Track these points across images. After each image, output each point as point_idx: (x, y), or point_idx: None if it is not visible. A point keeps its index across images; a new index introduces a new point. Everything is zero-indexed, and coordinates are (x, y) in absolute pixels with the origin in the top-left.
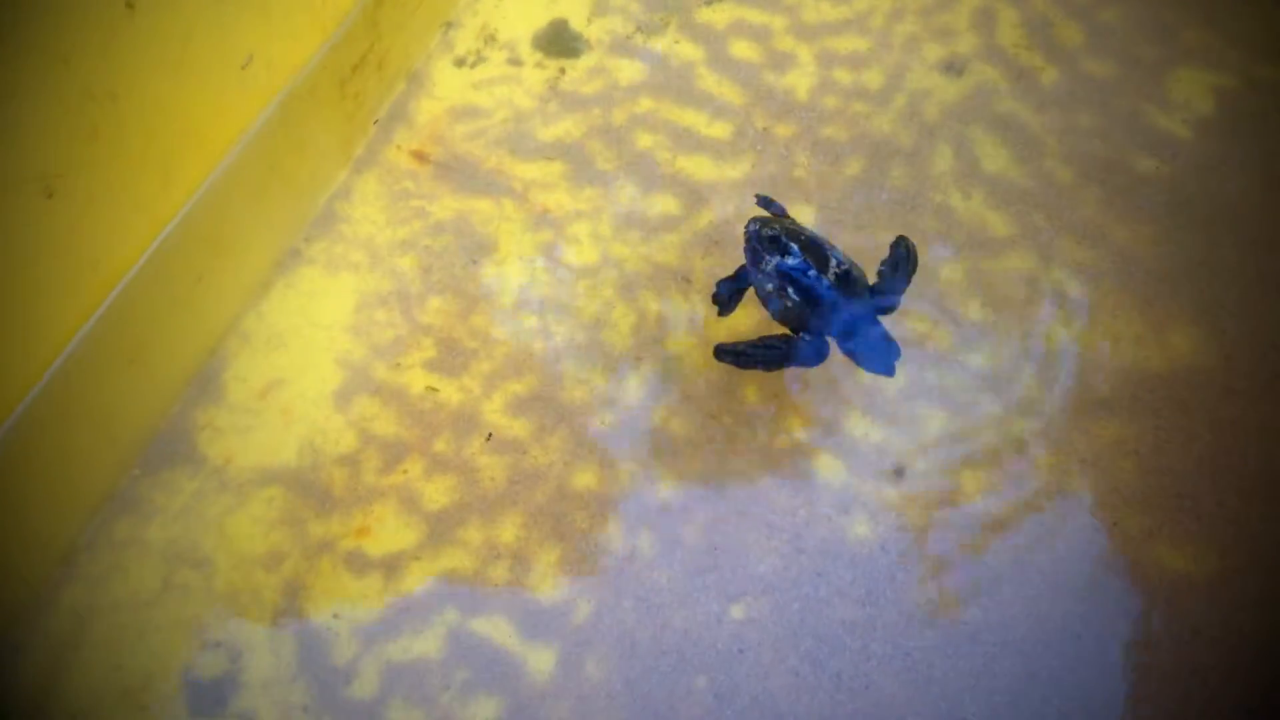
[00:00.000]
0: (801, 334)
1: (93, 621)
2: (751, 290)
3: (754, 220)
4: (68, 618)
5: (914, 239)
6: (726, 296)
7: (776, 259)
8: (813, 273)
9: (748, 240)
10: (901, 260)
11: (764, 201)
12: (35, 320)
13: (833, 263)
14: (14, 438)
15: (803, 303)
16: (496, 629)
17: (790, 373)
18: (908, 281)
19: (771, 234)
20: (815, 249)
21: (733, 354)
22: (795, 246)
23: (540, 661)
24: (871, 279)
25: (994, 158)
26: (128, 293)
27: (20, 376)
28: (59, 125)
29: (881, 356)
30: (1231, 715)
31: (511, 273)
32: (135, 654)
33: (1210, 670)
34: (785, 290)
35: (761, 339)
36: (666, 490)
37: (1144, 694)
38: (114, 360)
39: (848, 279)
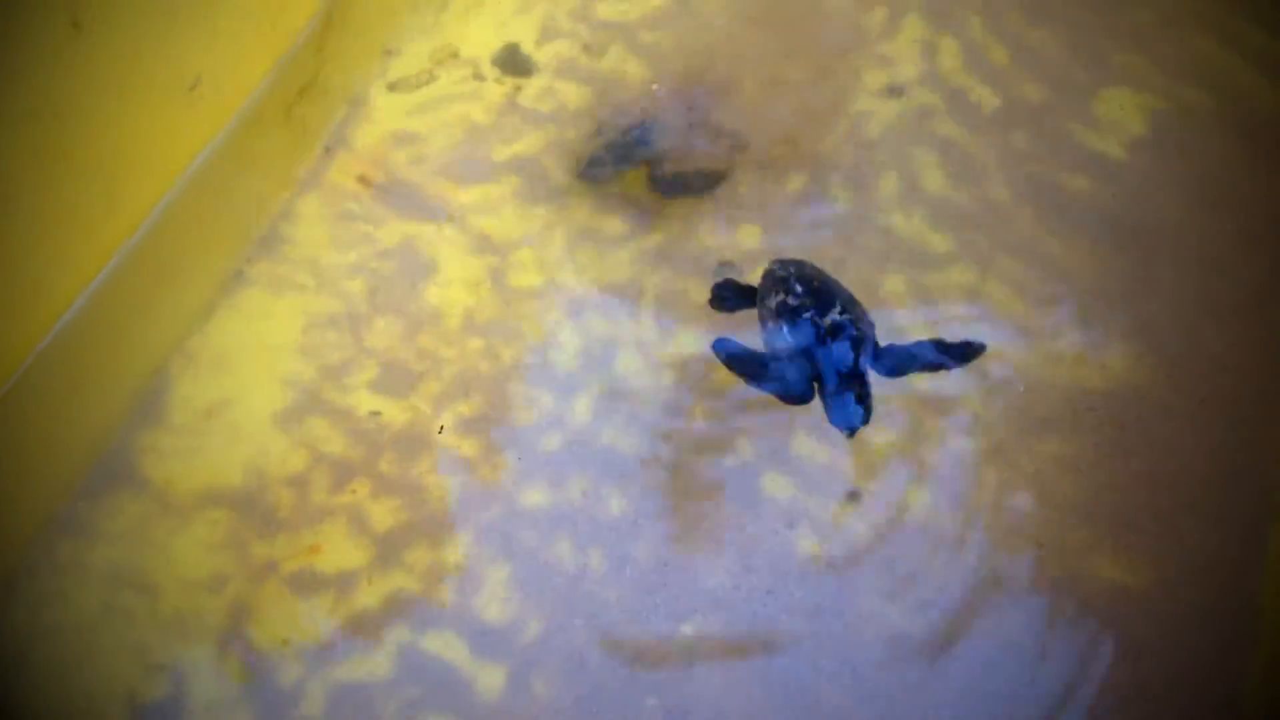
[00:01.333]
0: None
1: (35, 645)
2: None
3: (776, 260)
4: (9, 642)
5: (858, 258)
6: (729, 298)
7: (780, 297)
8: (808, 315)
9: (763, 277)
10: (950, 353)
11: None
12: None
13: (834, 310)
14: None
15: (793, 342)
16: (447, 647)
17: (738, 395)
18: (923, 367)
19: (783, 274)
20: (823, 295)
21: (729, 352)
22: (800, 288)
23: (490, 679)
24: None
25: (934, 178)
26: (72, 320)
27: None
28: (1, 146)
29: (843, 413)
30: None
31: (457, 295)
32: (79, 678)
33: (1152, 685)
34: (780, 326)
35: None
36: (616, 509)
37: (1089, 710)
38: (58, 386)
39: (839, 330)
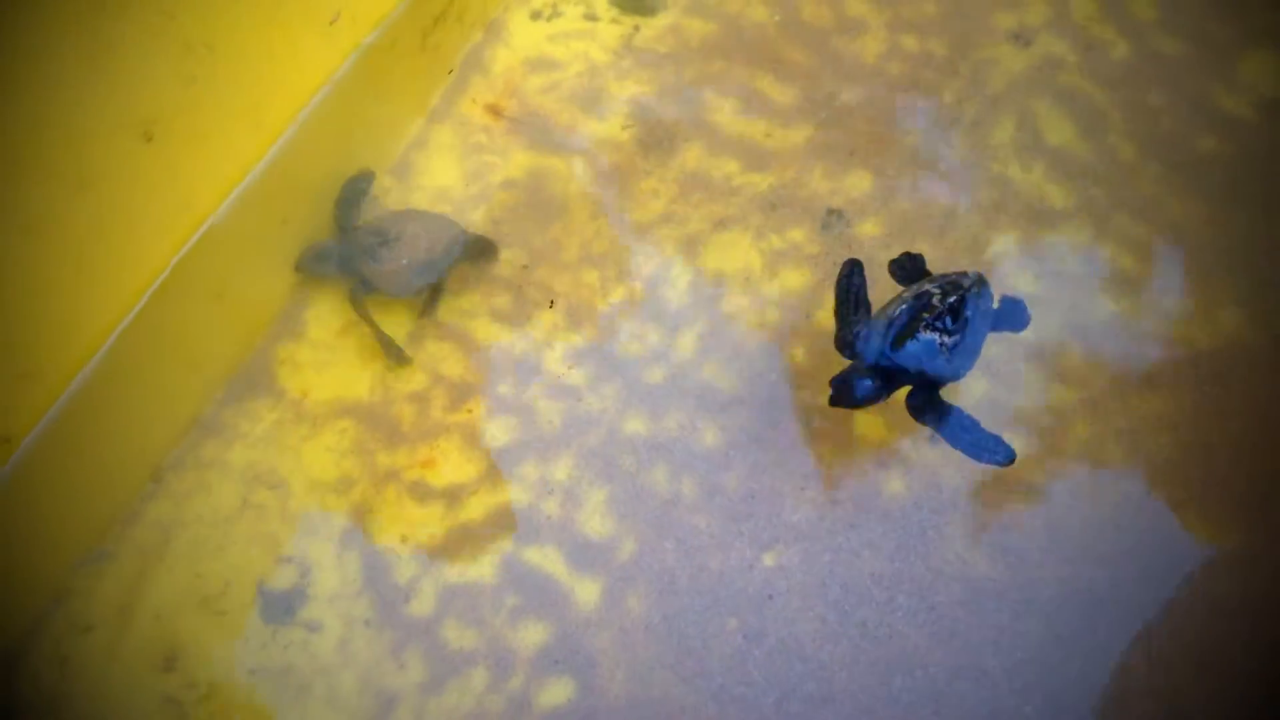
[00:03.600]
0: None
1: (177, 534)
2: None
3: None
4: (154, 529)
5: (969, 207)
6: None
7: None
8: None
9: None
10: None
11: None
12: (129, 254)
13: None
14: (109, 362)
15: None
16: (547, 559)
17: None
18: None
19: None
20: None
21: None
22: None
23: (586, 593)
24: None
25: (1058, 131)
26: (216, 231)
27: (116, 305)
28: (160, 74)
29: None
30: (1247, 684)
31: (576, 229)
32: (214, 565)
33: (1230, 642)
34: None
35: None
36: (710, 440)
37: (1163, 660)
38: (202, 294)
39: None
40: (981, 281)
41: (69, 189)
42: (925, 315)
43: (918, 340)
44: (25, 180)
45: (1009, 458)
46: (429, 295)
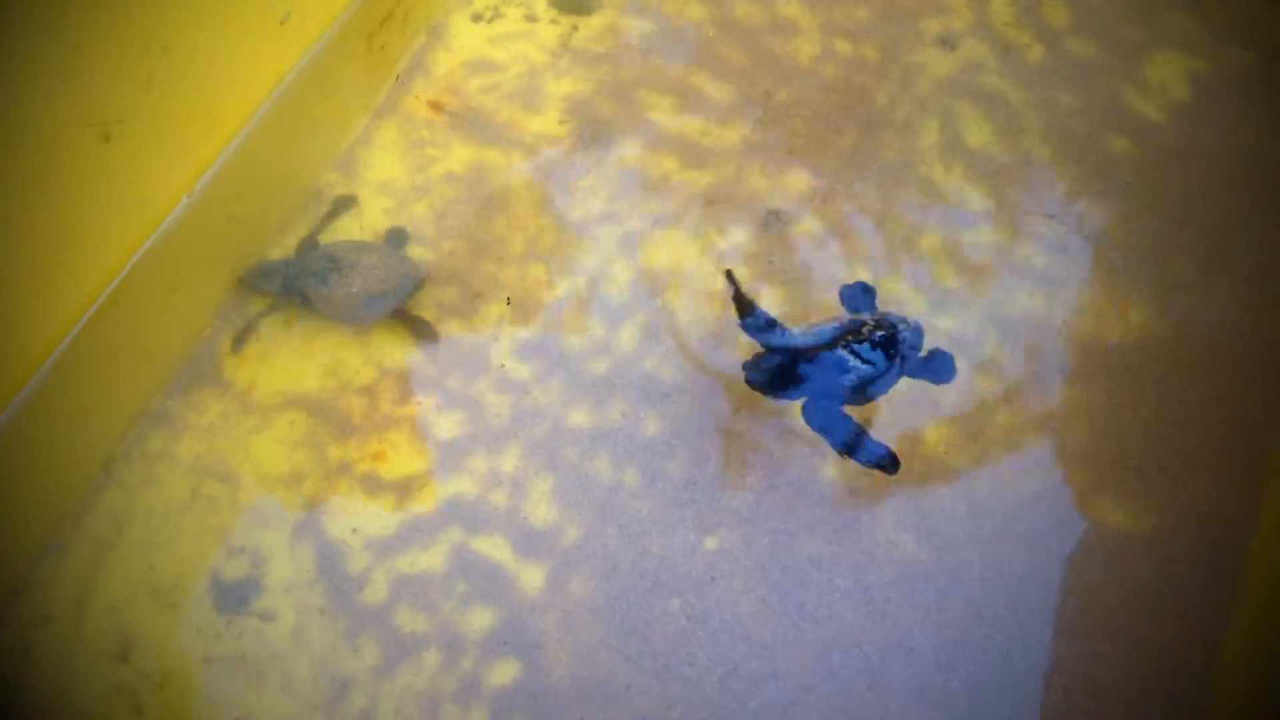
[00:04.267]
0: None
1: (129, 525)
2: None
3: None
4: (107, 521)
5: (900, 208)
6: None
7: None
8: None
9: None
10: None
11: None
12: (89, 252)
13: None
14: (68, 357)
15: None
16: (495, 547)
17: None
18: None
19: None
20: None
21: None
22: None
23: (531, 578)
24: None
25: (977, 132)
26: (171, 229)
27: (76, 302)
28: (119, 76)
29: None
30: (1159, 661)
31: (520, 224)
32: (167, 556)
33: (1141, 618)
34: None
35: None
36: (653, 429)
37: (1078, 634)
38: (155, 289)
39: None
40: (918, 332)
41: (32, 188)
42: (849, 337)
43: (834, 353)
44: None
45: (885, 460)
46: (411, 324)
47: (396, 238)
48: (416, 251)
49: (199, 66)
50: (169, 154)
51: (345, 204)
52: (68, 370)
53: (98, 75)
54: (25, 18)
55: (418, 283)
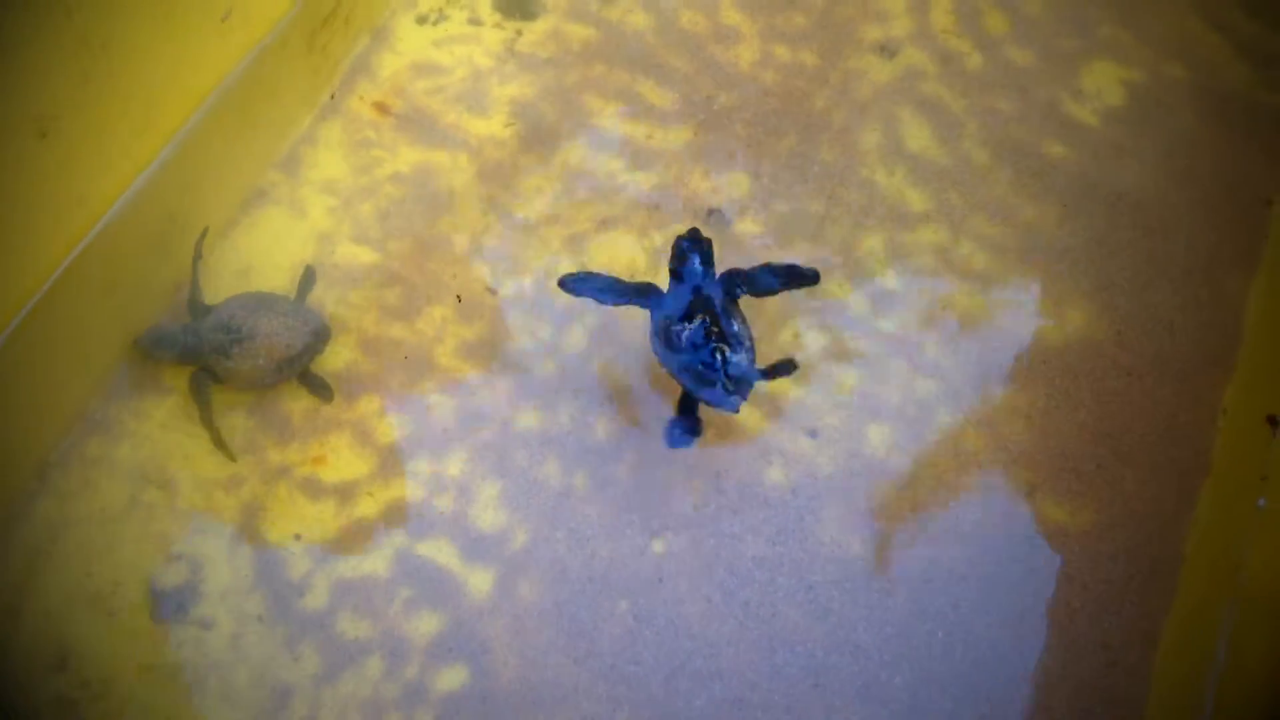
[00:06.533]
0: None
1: (65, 532)
2: None
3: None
4: (41, 528)
5: (840, 211)
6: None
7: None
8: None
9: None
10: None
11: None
12: (24, 250)
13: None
14: (2, 357)
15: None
16: (440, 552)
17: None
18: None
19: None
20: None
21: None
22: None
23: (479, 582)
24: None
25: (918, 137)
26: (108, 228)
27: (8, 302)
28: (55, 71)
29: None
30: (1093, 651)
31: (464, 223)
32: (104, 563)
33: (1080, 613)
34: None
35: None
36: (601, 432)
37: (1019, 629)
38: (93, 290)
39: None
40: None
41: None
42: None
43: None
44: None
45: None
46: (309, 385)
47: (306, 280)
48: (360, 253)
49: (137, 63)
50: (107, 151)
51: (201, 242)
52: (2, 371)
53: (32, 70)
54: None
55: (324, 339)
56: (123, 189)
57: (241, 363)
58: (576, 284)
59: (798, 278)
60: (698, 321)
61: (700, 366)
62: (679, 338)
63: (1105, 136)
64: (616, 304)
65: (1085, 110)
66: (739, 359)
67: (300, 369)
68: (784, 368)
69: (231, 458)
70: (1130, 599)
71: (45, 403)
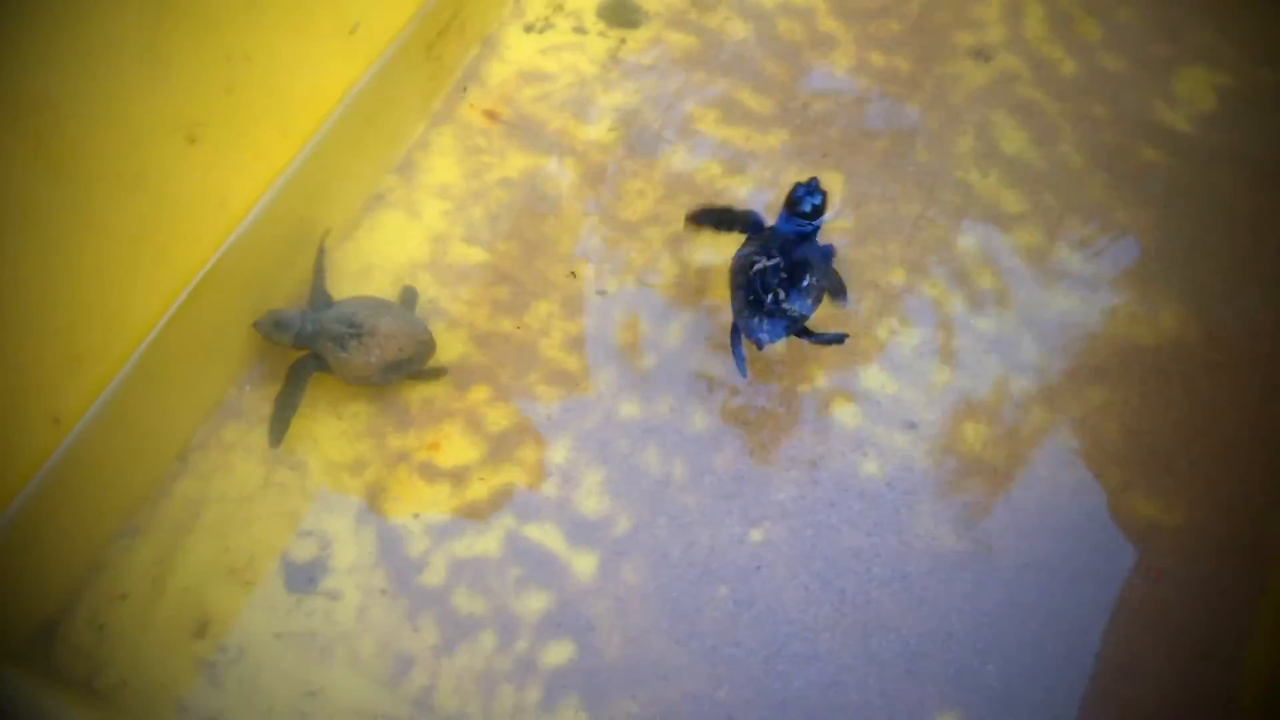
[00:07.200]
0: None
1: (204, 510)
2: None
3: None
4: (182, 506)
5: (936, 211)
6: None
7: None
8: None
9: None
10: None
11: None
12: (176, 249)
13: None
14: (152, 349)
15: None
16: (547, 535)
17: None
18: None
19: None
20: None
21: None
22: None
23: (584, 565)
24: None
25: (1012, 140)
26: (248, 229)
27: (161, 296)
28: (204, 82)
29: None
30: (1189, 647)
31: (569, 225)
32: (240, 538)
33: (1172, 607)
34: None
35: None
36: (700, 424)
37: (1111, 624)
38: (232, 288)
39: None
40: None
41: (123, 188)
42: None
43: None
44: (90, 180)
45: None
46: (424, 377)
47: (408, 297)
48: (471, 253)
49: (276, 74)
50: (248, 157)
51: (324, 239)
52: (151, 363)
53: (184, 81)
54: (120, 31)
55: (431, 351)
56: (261, 192)
57: (356, 355)
58: (700, 218)
59: (832, 287)
60: (771, 260)
61: (751, 296)
62: (745, 260)
63: (1198, 142)
64: (729, 230)
65: (1178, 115)
66: (790, 305)
67: (404, 375)
68: (831, 337)
69: (275, 444)
70: (1222, 594)
71: (187, 391)
